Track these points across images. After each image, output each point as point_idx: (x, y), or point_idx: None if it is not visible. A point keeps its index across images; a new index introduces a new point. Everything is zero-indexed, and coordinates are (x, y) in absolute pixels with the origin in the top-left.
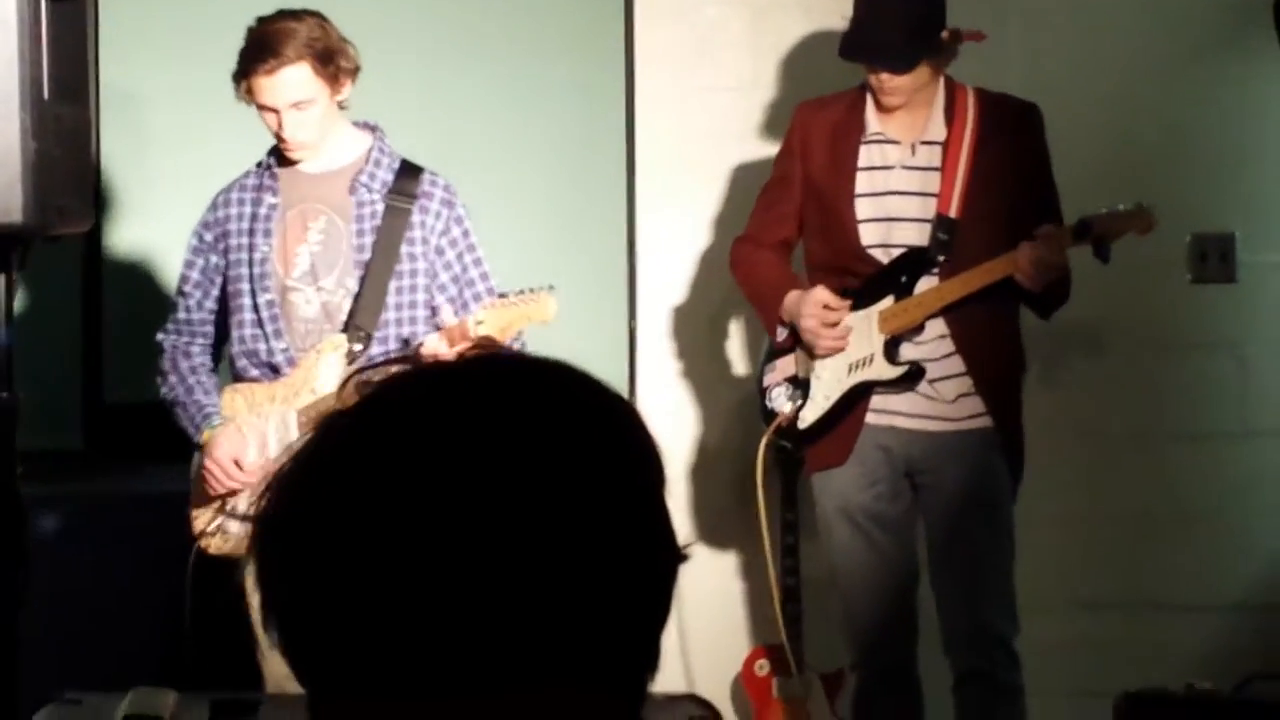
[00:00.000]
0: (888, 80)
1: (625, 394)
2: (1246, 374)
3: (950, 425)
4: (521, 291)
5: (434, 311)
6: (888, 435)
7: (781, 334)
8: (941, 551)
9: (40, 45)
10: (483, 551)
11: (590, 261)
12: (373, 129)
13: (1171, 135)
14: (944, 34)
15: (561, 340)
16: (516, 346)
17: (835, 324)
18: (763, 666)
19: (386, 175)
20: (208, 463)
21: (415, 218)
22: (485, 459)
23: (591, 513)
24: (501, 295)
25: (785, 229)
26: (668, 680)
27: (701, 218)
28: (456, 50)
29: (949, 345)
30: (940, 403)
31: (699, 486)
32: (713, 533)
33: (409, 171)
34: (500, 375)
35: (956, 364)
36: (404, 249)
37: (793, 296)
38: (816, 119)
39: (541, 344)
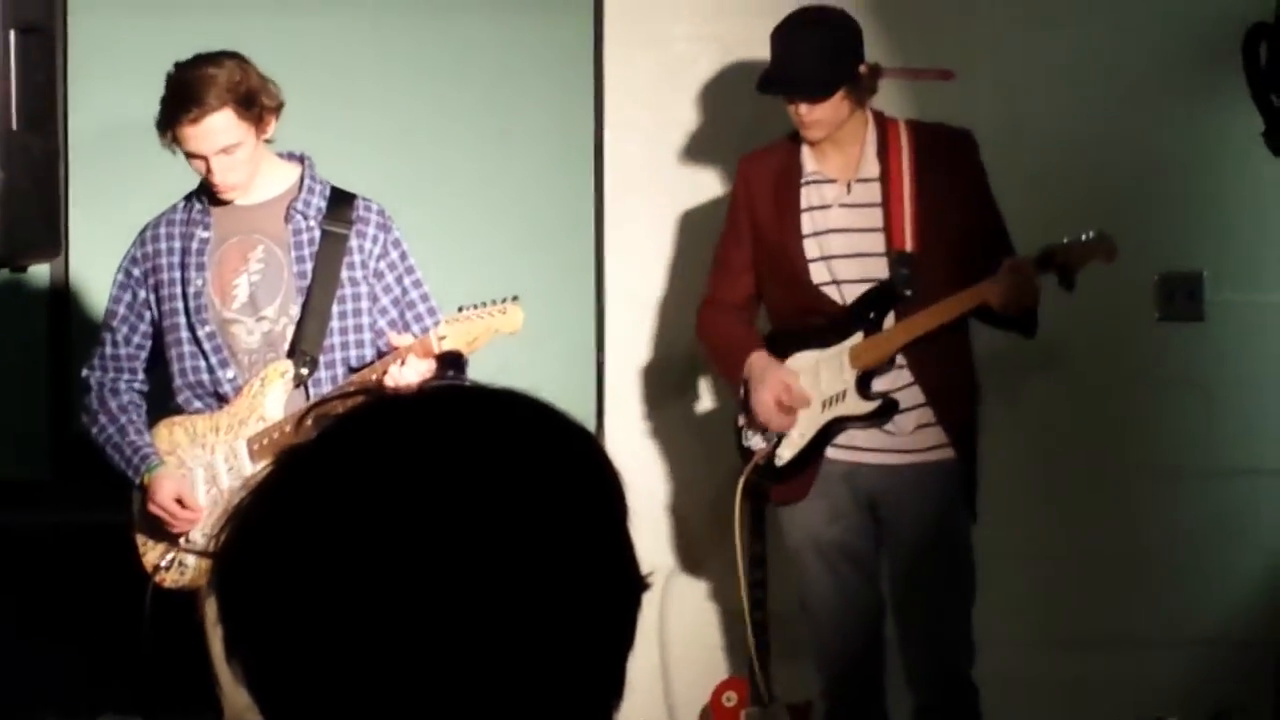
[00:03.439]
0: (807, 112)
1: (593, 426)
2: (1213, 412)
3: (910, 458)
4: (485, 304)
5: (379, 335)
6: (850, 470)
7: (744, 390)
8: (901, 584)
9: (8, 76)
10: (446, 584)
11: (557, 292)
12: (300, 159)
13: (1140, 174)
14: (862, 67)
15: (527, 371)
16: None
17: (789, 412)
18: (730, 698)
19: (320, 202)
20: (152, 508)
21: (353, 242)
22: (447, 492)
23: (555, 543)
24: (461, 309)
25: (744, 285)
26: (637, 711)
27: (670, 249)
28: (426, 78)
29: (907, 376)
30: (900, 435)
31: (669, 517)
32: (684, 563)
33: (341, 198)
34: (461, 407)
35: (915, 395)
36: (344, 273)
37: (759, 360)
38: (758, 169)
39: (506, 375)
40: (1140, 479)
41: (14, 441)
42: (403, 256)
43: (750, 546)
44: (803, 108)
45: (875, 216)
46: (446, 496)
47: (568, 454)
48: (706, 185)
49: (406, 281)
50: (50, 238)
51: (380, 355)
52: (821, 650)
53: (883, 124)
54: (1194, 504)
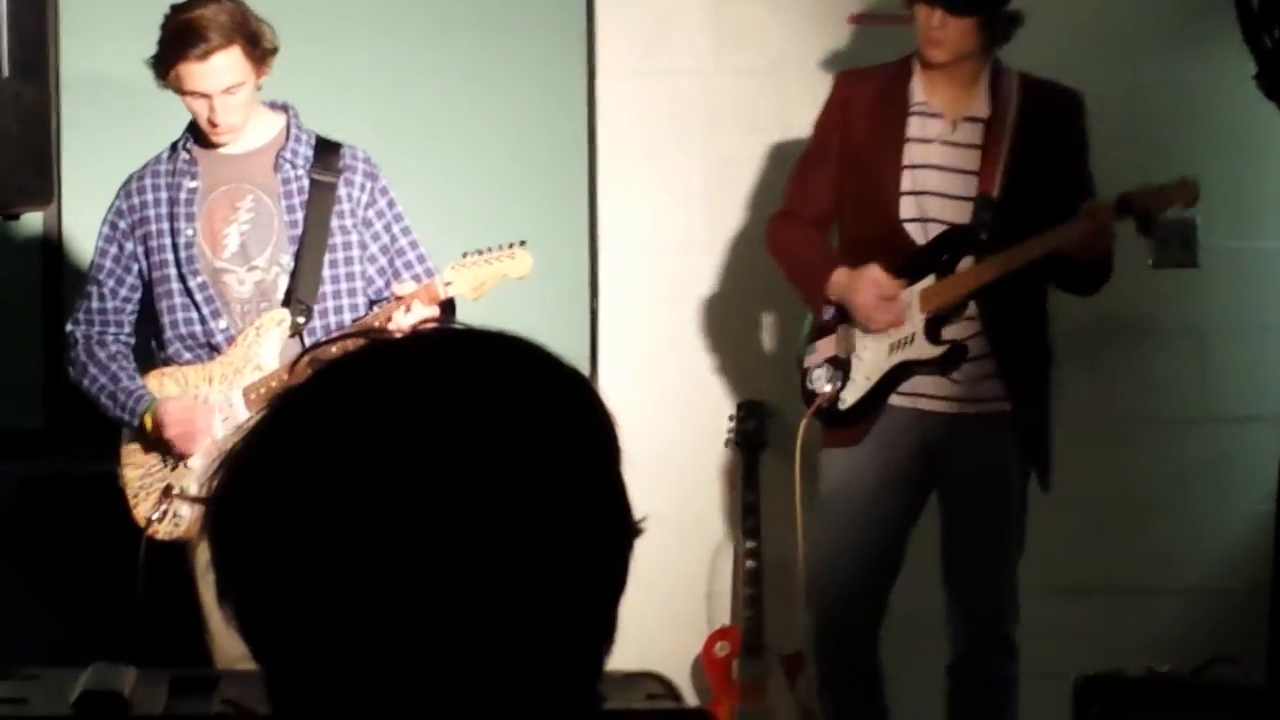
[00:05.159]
0: (939, 25)
1: (586, 373)
2: (1206, 359)
3: (971, 408)
4: (491, 249)
5: (369, 282)
6: (910, 416)
7: (828, 313)
8: (950, 535)
9: None
10: (436, 527)
11: (552, 241)
12: (285, 108)
13: (1132, 118)
14: (1009, 7)
15: (521, 317)
16: None
17: (890, 300)
18: (723, 648)
19: (307, 151)
20: (169, 432)
21: (341, 191)
22: (438, 434)
23: (546, 486)
24: (465, 254)
25: (823, 202)
26: (629, 659)
27: (663, 198)
28: (416, 30)
29: (976, 326)
30: (963, 384)
31: (662, 463)
32: (677, 510)
33: (327, 147)
34: (453, 349)
35: (982, 346)
36: (334, 222)
37: (841, 274)
38: (859, 88)
39: (501, 322)
40: (1133, 426)
41: (7, 391)
42: (390, 204)
43: (743, 495)
44: (936, 17)
45: (975, 159)
46: (438, 438)
47: (561, 396)
48: (700, 131)
49: (395, 229)
50: (42, 186)
51: (372, 304)
52: (819, 593)
53: (998, 70)
54: (1188, 451)
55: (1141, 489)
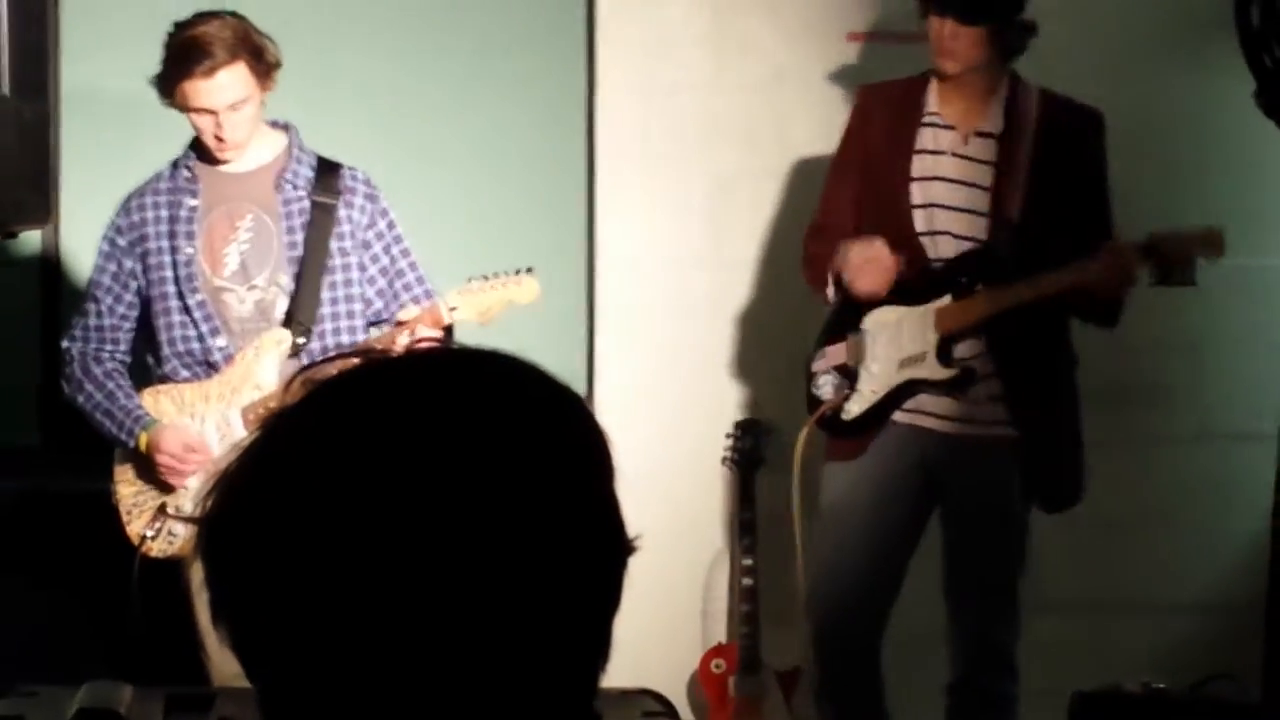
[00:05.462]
0: (950, 35)
1: (583, 392)
2: (1205, 377)
3: (975, 430)
4: (497, 274)
5: (369, 305)
6: (910, 433)
7: (831, 294)
8: (952, 556)
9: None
10: (430, 546)
11: (550, 257)
12: (286, 127)
13: (1132, 139)
14: (1023, 18)
15: (519, 335)
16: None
17: (876, 262)
18: (719, 665)
19: (308, 172)
20: (160, 458)
21: (342, 213)
22: (432, 453)
23: (540, 504)
24: (470, 280)
25: (846, 215)
26: (625, 676)
27: (662, 215)
28: (417, 45)
29: (983, 345)
30: (968, 404)
31: (658, 484)
32: (673, 527)
33: (328, 167)
34: (447, 368)
35: (987, 366)
36: (334, 244)
37: (845, 244)
38: (876, 100)
39: (498, 337)
40: (1131, 445)
41: (3, 407)
42: (390, 226)
43: (739, 513)
44: (948, 27)
45: (987, 175)
46: (431, 458)
47: (554, 415)
48: (699, 146)
49: (394, 251)
50: (41, 203)
51: (371, 326)
52: (820, 608)
53: (1015, 85)
54: (1186, 468)
55: (1140, 506)
